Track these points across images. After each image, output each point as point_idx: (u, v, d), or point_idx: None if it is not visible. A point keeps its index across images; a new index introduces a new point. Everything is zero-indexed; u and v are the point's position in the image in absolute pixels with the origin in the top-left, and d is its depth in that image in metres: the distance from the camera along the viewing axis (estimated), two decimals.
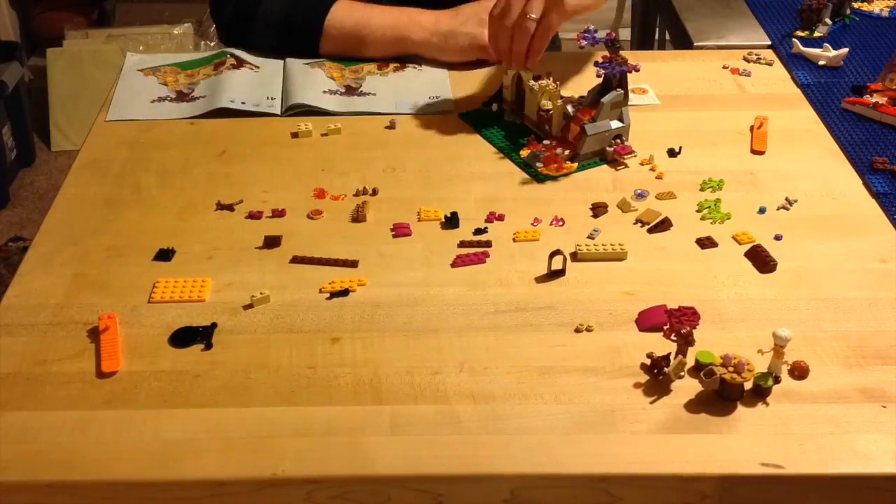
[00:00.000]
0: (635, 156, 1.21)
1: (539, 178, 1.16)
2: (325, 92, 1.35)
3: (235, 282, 1.01)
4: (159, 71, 1.41)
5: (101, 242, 1.07)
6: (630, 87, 1.35)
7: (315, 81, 1.37)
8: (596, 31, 1.21)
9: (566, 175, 1.17)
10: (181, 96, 1.35)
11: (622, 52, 1.20)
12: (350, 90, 1.36)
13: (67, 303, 0.98)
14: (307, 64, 1.41)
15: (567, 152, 1.18)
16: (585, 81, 1.36)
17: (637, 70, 1.20)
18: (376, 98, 1.35)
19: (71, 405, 0.86)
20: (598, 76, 1.19)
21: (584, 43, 1.20)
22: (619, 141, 1.20)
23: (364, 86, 1.37)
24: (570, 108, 1.20)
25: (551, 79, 1.23)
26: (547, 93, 1.22)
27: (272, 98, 1.34)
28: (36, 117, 2.95)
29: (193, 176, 1.18)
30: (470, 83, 1.38)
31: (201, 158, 1.22)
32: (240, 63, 1.41)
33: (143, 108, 1.32)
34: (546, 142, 1.20)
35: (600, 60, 1.19)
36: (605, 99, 1.17)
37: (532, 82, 1.23)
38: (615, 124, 1.20)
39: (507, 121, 1.28)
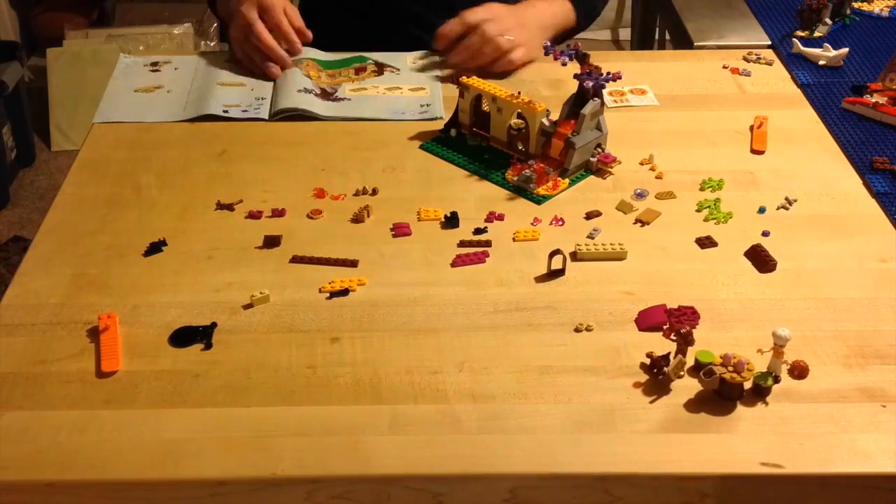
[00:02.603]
0: (620, 163, 1.20)
1: (537, 199, 1.13)
2: (300, 91, 1.33)
3: (235, 282, 1.01)
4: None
5: (100, 242, 1.07)
6: (629, 87, 1.35)
7: (293, 80, 1.35)
8: (555, 45, 1.22)
9: (561, 192, 1.15)
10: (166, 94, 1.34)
11: (591, 60, 1.20)
12: (325, 94, 1.34)
13: (67, 302, 0.98)
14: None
15: (553, 169, 1.16)
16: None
17: (620, 77, 1.19)
18: (352, 104, 1.33)
19: (71, 405, 0.86)
20: (602, 86, 1.16)
21: (564, 59, 1.20)
22: (600, 150, 1.19)
23: (339, 91, 1.35)
24: (546, 123, 1.17)
25: (521, 95, 1.19)
26: (526, 110, 1.17)
27: (262, 99, 1.33)
28: (36, 117, 2.95)
29: (193, 176, 1.18)
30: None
31: (201, 158, 1.22)
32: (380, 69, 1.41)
33: (130, 108, 1.31)
34: (531, 161, 1.17)
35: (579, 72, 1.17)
36: (586, 110, 1.15)
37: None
38: (595, 134, 1.18)
39: (471, 144, 1.23)
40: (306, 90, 1.34)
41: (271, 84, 1.37)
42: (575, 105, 1.17)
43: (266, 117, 1.30)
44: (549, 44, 1.23)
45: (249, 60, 1.38)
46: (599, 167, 1.18)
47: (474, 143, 1.23)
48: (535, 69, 1.42)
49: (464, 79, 1.21)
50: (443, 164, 1.21)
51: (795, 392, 0.88)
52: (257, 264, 1.03)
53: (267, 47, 1.36)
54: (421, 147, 1.23)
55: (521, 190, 1.15)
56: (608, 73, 1.16)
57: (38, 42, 3.22)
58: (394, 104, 1.33)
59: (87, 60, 2.95)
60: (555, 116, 1.19)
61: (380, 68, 1.41)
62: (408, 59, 1.44)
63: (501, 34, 1.34)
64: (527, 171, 1.14)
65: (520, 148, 1.20)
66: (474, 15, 1.34)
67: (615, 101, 1.32)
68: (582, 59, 1.19)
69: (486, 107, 1.22)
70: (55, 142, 2.95)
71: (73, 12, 3.19)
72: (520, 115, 1.19)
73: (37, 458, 0.81)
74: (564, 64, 1.20)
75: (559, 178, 1.16)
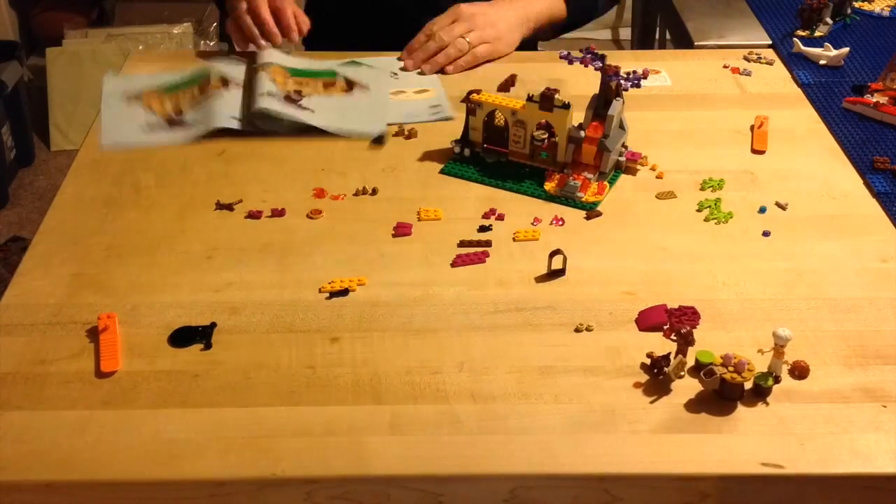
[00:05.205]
0: (646, 157, 1.20)
1: (587, 206, 1.12)
2: (262, 94, 1.27)
3: (235, 282, 1.01)
4: (141, 97, 1.33)
5: (100, 242, 1.06)
6: (643, 67, 1.35)
7: (260, 85, 1.30)
8: (570, 53, 1.22)
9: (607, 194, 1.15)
10: (172, 122, 1.28)
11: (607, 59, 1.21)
12: (289, 99, 1.29)
13: (67, 303, 0.98)
14: (254, 66, 1.35)
15: (590, 174, 1.16)
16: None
17: (647, 76, 1.20)
18: (314, 115, 1.27)
19: (70, 405, 0.86)
20: (625, 90, 1.17)
21: (597, 63, 1.19)
22: (624, 148, 1.19)
23: (304, 101, 1.30)
24: (573, 129, 1.16)
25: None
26: (553, 119, 1.15)
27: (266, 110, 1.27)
28: (35, 117, 2.95)
29: (193, 176, 1.18)
30: (456, 84, 1.36)
31: (201, 158, 1.21)
32: (226, 82, 1.33)
33: (137, 135, 1.26)
34: (566, 170, 1.17)
35: (607, 73, 1.17)
36: (613, 112, 1.15)
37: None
38: (621, 133, 1.18)
39: (490, 161, 1.20)
40: (269, 94, 1.28)
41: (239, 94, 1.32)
42: (598, 106, 1.17)
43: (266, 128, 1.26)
44: (564, 52, 1.23)
45: (240, 32, 1.39)
46: (628, 165, 1.19)
47: (493, 159, 1.21)
48: (533, 70, 1.42)
49: (474, 96, 1.20)
50: (443, 163, 1.21)
51: (796, 392, 0.88)
52: (257, 264, 1.03)
53: (262, 21, 1.37)
54: (441, 172, 1.19)
55: (565, 200, 1.14)
56: (633, 72, 1.17)
57: (38, 42, 3.22)
58: (402, 108, 1.32)
59: (86, 60, 2.95)
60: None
61: (349, 86, 1.36)
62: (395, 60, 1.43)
63: (461, 35, 1.36)
64: (571, 180, 1.14)
65: (547, 158, 1.18)
66: (437, 22, 1.36)
67: (625, 89, 1.31)
68: (603, 60, 1.19)
69: (499, 122, 1.20)
70: (55, 142, 2.95)
71: (72, 12, 3.20)
72: (539, 126, 1.18)
73: (36, 458, 0.81)
74: (598, 69, 1.19)
75: (603, 182, 1.16)
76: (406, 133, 1.25)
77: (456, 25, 1.39)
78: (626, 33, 3.36)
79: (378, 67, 1.41)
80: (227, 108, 1.29)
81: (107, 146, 1.25)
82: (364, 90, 1.36)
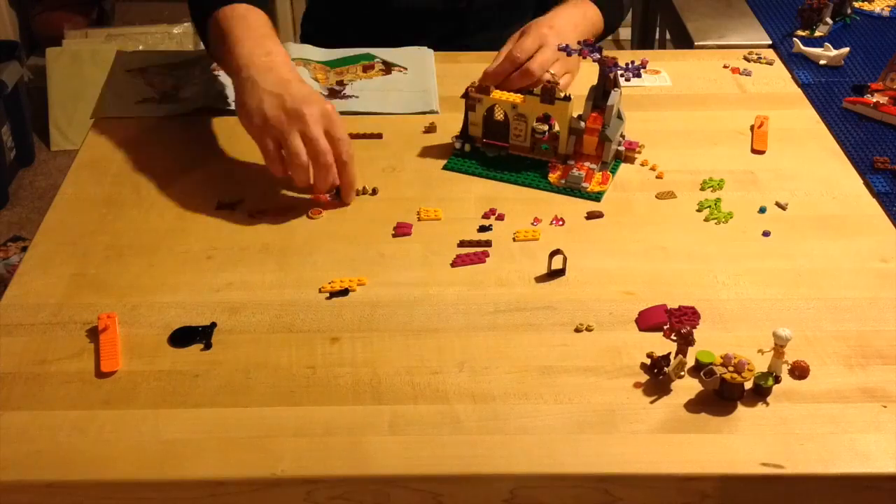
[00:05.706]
0: (644, 147, 1.21)
1: (594, 196, 1.13)
2: None
3: (235, 282, 1.01)
4: (146, 71, 1.40)
5: (100, 242, 1.06)
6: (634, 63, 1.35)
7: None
8: (568, 46, 1.23)
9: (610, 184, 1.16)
10: (165, 98, 1.33)
11: (605, 52, 1.20)
12: (333, 93, 1.34)
13: (67, 302, 0.98)
14: (292, 61, 1.40)
15: (593, 164, 1.17)
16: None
17: (646, 65, 1.22)
18: (359, 101, 1.33)
19: (70, 405, 0.86)
20: (627, 80, 1.18)
21: (595, 55, 1.19)
22: (622, 138, 1.20)
23: (348, 89, 1.35)
24: (574, 121, 1.17)
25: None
26: (554, 112, 1.16)
27: None
28: (35, 117, 2.95)
29: (193, 176, 1.18)
30: (457, 82, 1.35)
31: (201, 158, 1.21)
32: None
33: (129, 107, 1.31)
34: (569, 161, 1.17)
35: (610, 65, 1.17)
36: (612, 102, 1.15)
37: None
38: (620, 123, 1.19)
39: (491, 156, 1.21)
40: None
41: None
42: (597, 97, 1.17)
43: None
44: (564, 44, 1.23)
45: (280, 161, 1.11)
46: (627, 154, 1.20)
47: (493, 154, 1.21)
48: None
49: (473, 93, 1.19)
50: (443, 163, 1.21)
51: (796, 392, 0.88)
52: (257, 264, 1.03)
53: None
54: (444, 168, 1.20)
55: (569, 191, 1.15)
56: (631, 63, 1.18)
57: (38, 42, 3.22)
58: (386, 98, 1.33)
59: (86, 60, 2.95)
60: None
61: (388, 67, 1.41)
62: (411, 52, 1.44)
63: (546, 69, 1.25)
64: (575, 171, 1.15)
65: (550, 149, 1.19)
66: (522, 48, 1.25)
67: (626, 80, 1.31)
68: (601, 52, 1.20)
69: (499, 116, 1.20)
70: (54, 141, 2.95)
71: (72, 12, 3.20)
72: (539, 119, 1.18)
73: (36, 458, 0.81)
74: (595, 60, 1.19)
75: (606, 172, 1.17)
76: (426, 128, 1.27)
77: (544, 55, 1.24)
78: (626, 33, 3.35)
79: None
80: (221, 88, 1.33)
81: (97, 116, 1.30)
82: (401, 70, 1.40)
